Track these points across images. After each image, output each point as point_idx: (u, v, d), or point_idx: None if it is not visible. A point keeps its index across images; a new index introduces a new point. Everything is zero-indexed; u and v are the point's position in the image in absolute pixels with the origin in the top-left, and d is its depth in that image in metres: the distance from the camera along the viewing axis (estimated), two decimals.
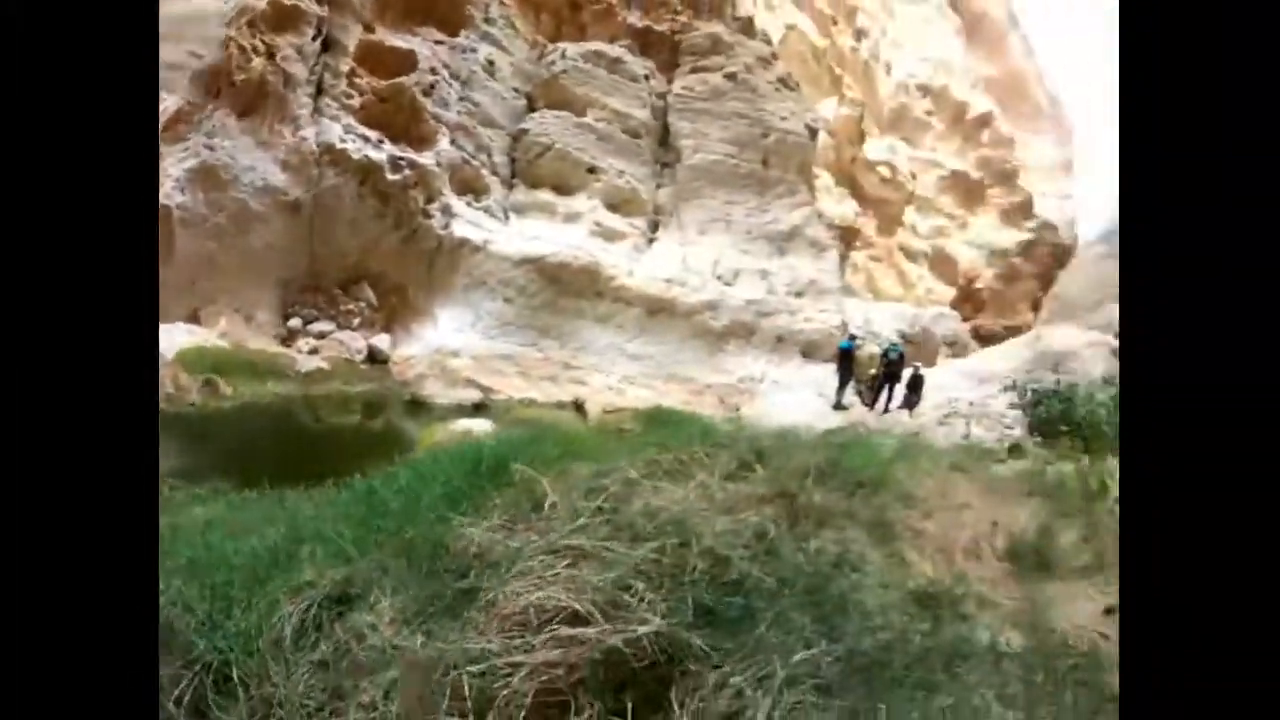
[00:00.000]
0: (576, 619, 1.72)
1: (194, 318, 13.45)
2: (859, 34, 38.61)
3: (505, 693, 1.59)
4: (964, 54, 44.90)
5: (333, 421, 11.55)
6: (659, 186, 20.54)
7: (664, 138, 20.99)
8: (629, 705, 1.62)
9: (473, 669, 1.63)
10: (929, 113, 40.23)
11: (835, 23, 36.55)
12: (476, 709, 1.57)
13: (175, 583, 2.09)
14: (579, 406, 14.85)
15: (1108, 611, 2.56)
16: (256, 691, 1.72)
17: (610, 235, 18.69)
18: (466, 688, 1.59)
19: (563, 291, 17.43)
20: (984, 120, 41.72)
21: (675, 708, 1.65)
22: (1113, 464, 4.79)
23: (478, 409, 12.89)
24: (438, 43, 17.55)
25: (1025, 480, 4.39)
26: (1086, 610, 2.63)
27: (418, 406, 13.01)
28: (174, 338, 11.63)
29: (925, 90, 40.65)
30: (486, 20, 18.92)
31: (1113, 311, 19.32)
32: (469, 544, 2.39)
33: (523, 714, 1.56)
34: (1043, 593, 2.74)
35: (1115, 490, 4.05)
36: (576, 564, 1.91)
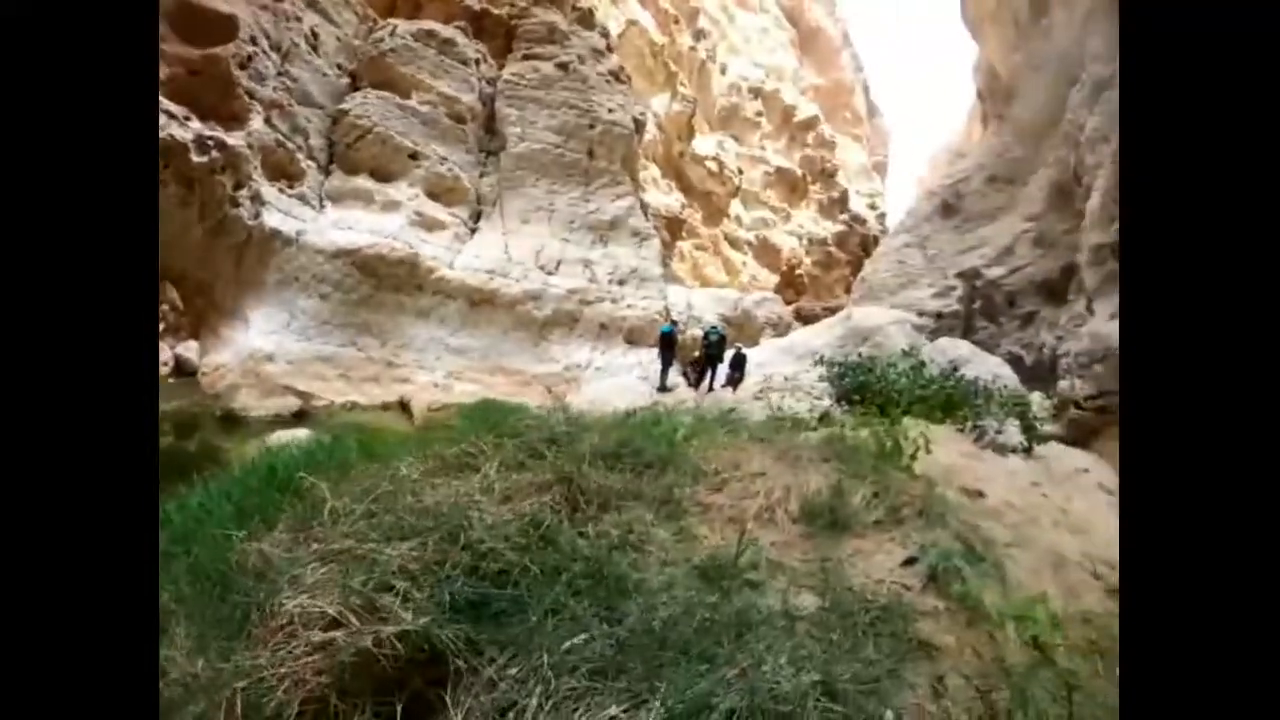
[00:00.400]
0: (335, 624, 1.67)
1: None
2: (699, 35, 40.31)
3: (273, 704, 1.59)
4: (797, 63, 48.67)
5: None
6: (482, 175, 19.81)
7: (490, 124, 20.30)
8: (398, 707, 1.61)
9: (241, 684, 1.62)
10: (759, 113, 43.05)
11: (677, 22, 37.82)
12: None
13: None
14: (404, 406, 14.20)
15: (906, 563, 2.71)
16: None
17: (430, 225, 17.78)
18: (239, 704, 1.59)
19: (381, 285, 16.39)
20: (810, 124, 45.50)
21: (450, 707, 1.64)
22: (906, 425, 5.02)
23: (298, 418, 11.90)
24: (262, 7, 15.55)
25: (826, 446, 4.40)
26: (884, 564, 2.72)
27: (233, 421, 11.75)
28: None
29: (757, 92, 43.44)
30: None
31: (911, 293, 21.76)
32: (252, 559, 2.27)
33: None
34: (839, 551, 2.77)
35: (908, 450, 4.27)
36: (345, 568, 1.85)
